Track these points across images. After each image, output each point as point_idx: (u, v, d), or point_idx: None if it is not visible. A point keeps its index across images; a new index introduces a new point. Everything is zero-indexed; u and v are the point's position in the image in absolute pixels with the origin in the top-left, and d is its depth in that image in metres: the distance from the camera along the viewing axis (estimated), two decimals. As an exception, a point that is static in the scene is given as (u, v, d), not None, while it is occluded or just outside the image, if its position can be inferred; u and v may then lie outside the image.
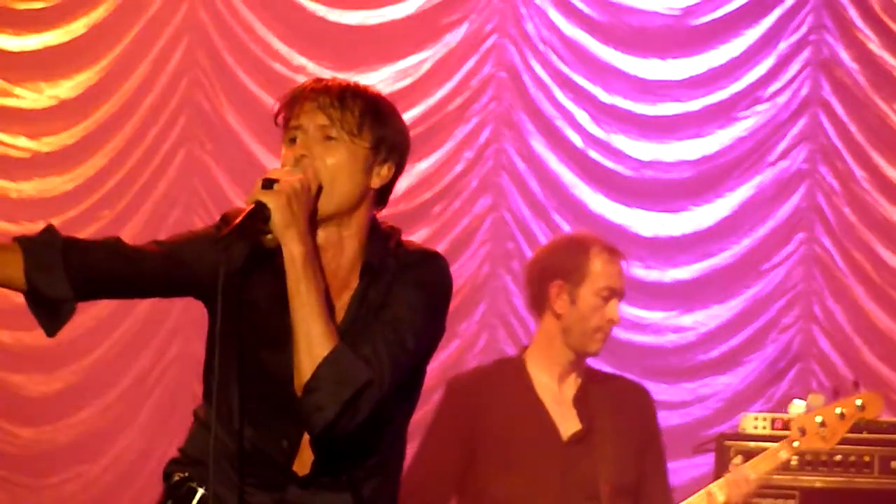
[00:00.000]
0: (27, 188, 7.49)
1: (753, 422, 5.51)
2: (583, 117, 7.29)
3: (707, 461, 5.70)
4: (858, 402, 4.81)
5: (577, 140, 7.29)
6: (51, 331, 3.07)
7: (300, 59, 7.41)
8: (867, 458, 5.48)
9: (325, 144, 3.15)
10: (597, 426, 4.53)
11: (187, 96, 7.47)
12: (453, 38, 7.38)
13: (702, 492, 4.64)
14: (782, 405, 6.82)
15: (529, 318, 7.08)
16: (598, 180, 7.29)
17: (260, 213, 3.02)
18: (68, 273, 3.03)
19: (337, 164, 3.14)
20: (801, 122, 7.21)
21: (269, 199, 3.03)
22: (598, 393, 4.58)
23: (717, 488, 4.61)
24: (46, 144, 7.50)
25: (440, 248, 3.31)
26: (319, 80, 3.23)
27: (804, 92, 7.21)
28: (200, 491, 3.19)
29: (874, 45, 7.12)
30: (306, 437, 3.13)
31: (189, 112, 7.47)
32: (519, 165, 7.32)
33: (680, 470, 6.14)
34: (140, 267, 3.11)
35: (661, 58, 7.30)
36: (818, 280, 7.16)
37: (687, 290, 7.21)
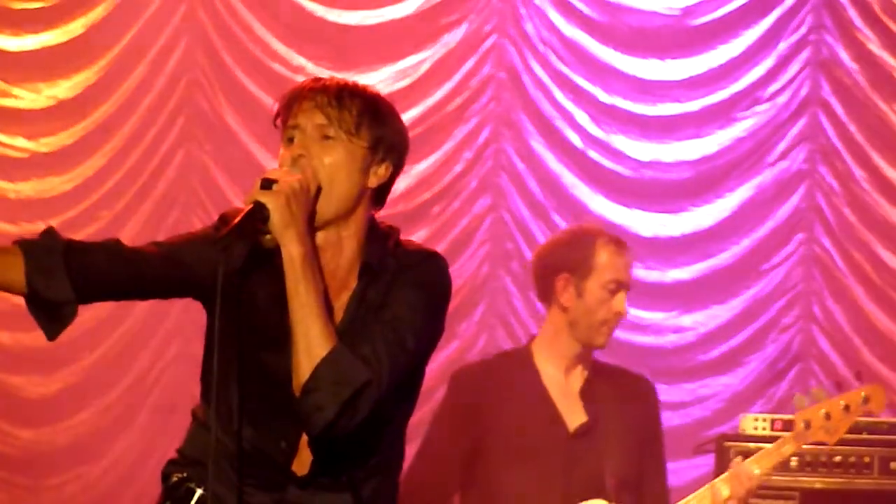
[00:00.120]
0: (25, 189, 7.48)
1: (753, 422, 5.50)
2: (582, 118, 7.28)
3: (707, 462, 5.69)
4: (863, 395, 4.80)
5: (576, 140, 7.28)
6: (52, 334, 3.06)
7: (299, 60, 7.40)
8: (867, 459, 5.47)
9: (322, 144, 3.15)
10: (602, 419, 4.53)
11: (186, 96, 7.46)
12: (452, 38, 7.37)
13: (706, 487, 4.63)
14: (782, 406, 6.83)
15: (529, 318, 7.10)
16: (597, 181, 7.28)
17: (259, 214, 3.02)
18: (69, 276, 3.01)
19: (334, 163, 3.14)
20: (801, 123, 7.20)
21: (268, 200, 3.02)
22: (604, 386, 4.58)
23: (722, 483, 4.60)
24: (45, 145, 7.49)
25: (439, 248, 3.30)
26: (318, 79, 3.23)
27: (804, 92, 7.20)
28: (199, 491, 3.19)
29: (874, 46, 7.11)
30: (305, 437, 3.13)
31: (188, 112, 7.46)
32: (518, 166, 7.31)
33: (680, 471, 6.13)
34: (140, 269, 3.10)
35: (661, 58, 7.29)
36: (818, 280, 7.15)
37: (687, 290, 7.20)
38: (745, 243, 7.22)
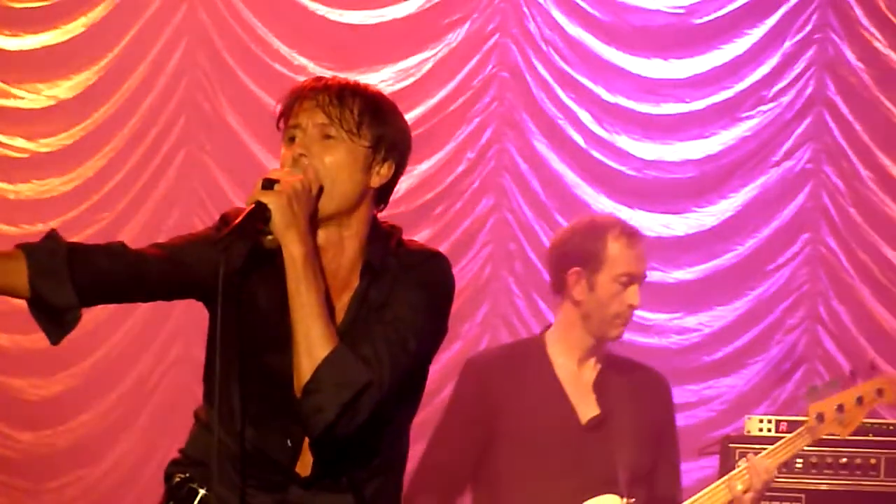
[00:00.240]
0: (25, 190, 7.47)
1: (759, 424, 5.48)
2: (585, 117, 7.27)
3: (712, 463, 5.67)
4: (878, 387, 4.76)
5: (579, 140, 7.27)
6: (56, 339, 3.05)
7: (301, 60, 7.40)
8: (873, 461, 5.45)
9: (323, 143, 3.13)
10: (615, 412, 4.51)
11: (187, 97, 7.46)
12: (455, 37, 7.37)
13: (720, 481, 4.62)
14: (788, 407, 6.81)
15: (532, 318, 7.09)
16: (600, 181, 7.27)
17: (260, 214, 3.01)
18: (73, 281, 3.00)
19: (335, 162, 3.12)
20: (806, 122, 7.20)
21: (270, 200, 3.01)
22: (617, 379, 4.57)
23: (737, 477, 4.58)
24: (44, 145, 7.48)
25: (442, 249, 3.28)
26: (319, 78, 3.22)
27: (809, 91, 7.20)
28: (201, 492, 3.17)
29: (880, 44, 7.10)
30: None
31: (189, 113, 7.46)
32: (521, 166, 7.30)
33: (685, 472, 6.07)
34: (143, 271, 3.09)
35: (665, 57, 7.29)
36: (823, 280, 7.14)
37: (691, 291, 7.19)
38: (750, 244, 7.21)
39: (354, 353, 3.02)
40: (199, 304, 3.21)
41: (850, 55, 7.13)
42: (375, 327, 3.08)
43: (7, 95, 7.49)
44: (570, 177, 7.27)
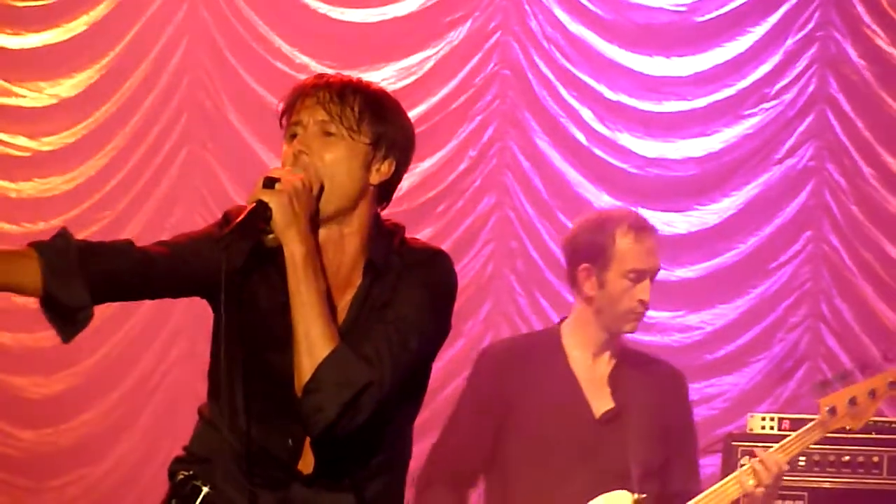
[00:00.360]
0: (27, 188, 7.47)
1: (761, 421, 5.47)
2: (587, 115, 7.27)
3: (714, 462, 5.66)
4: (890, 379, 4.74)
5: (581, 138, 7.27)
6: (67, 337, 3.05)
7: (302, 58, 7.39)
8: (876, 459, 5.44)
9: (324, 140, 3.13)
10: (629, 406, 4.50)
11: (189, 95, 7.46)
12: (457, 35, 7.36)
13: (732, 475, 4.61)
14: (790, 405, 6.80)
15: (534, 316, 7.08)
16: (602, 178, 7.27)
17: (261, 213, 3.01)
18: (85, 279, 2.99)
19: (335, 159, 3.12)
20: (809, 120, 7.19)
21: (271, 199, 3.01)
22: (632, 373, 4.55)
23: (746, 473, 4.56)
24: (46, 144, 7.48)
25: (444, 247, 3.28)
26: (321, 75, 3.22)
27: (811, 89, 7.19)
28: (205, 489, 3.16)
29: (882, 41, 7.09)
30: (309, 436, 3.12)
31: (191, 111, 7.46)
32: (523, 164, 7.30)
33: (688, 470, 6.10)
34: (150, 269, 3.09)
35: (667, 55, 7.28)
36: (826, 278, 7.13)
37: (693, 289, 7.19)
38: (752, 241, 7.20)
39: (355, 353, 3.01)
40: (201, 304, 3.20)
41: (853, 53, 7.13)
42: (377, 326, 3.07)
43: (9, 94, 7.49)
44: (572, 175, 7.27)
